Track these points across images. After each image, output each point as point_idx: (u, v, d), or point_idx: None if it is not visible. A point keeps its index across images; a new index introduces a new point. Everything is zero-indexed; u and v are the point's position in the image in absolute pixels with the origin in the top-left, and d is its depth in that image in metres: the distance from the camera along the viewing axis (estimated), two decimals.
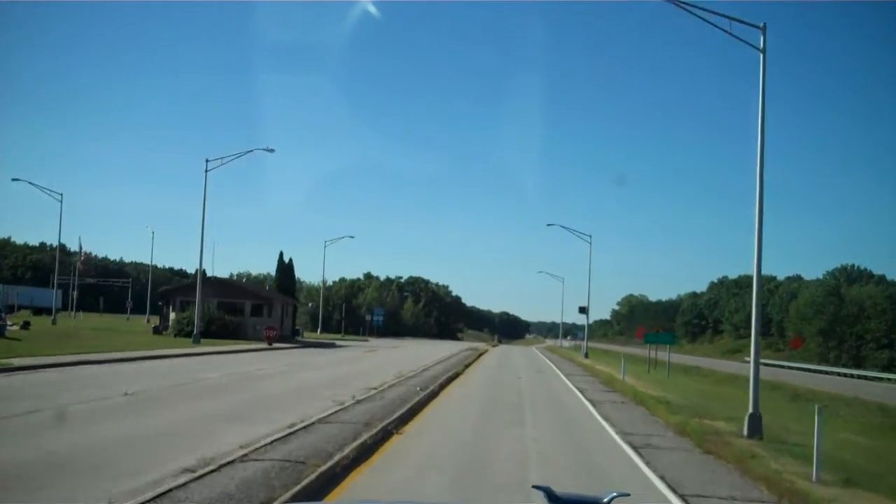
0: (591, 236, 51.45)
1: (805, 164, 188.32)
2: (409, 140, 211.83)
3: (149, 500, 6.53)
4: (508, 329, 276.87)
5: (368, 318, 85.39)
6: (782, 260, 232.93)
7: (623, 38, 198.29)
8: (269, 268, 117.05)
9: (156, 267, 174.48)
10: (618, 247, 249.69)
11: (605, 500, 2.63)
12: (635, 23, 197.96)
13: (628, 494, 2.84)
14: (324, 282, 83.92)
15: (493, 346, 74.00)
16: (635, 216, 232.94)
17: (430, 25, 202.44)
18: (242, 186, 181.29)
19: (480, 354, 45.93)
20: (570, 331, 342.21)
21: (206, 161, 35.81)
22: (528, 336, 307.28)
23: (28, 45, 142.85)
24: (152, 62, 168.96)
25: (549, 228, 55.27)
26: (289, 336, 47.93)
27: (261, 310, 44.26)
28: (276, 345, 39.28)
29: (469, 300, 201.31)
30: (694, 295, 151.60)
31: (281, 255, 50.63)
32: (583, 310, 51.07)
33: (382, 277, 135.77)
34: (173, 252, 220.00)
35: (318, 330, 70.64)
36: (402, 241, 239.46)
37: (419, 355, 39.77)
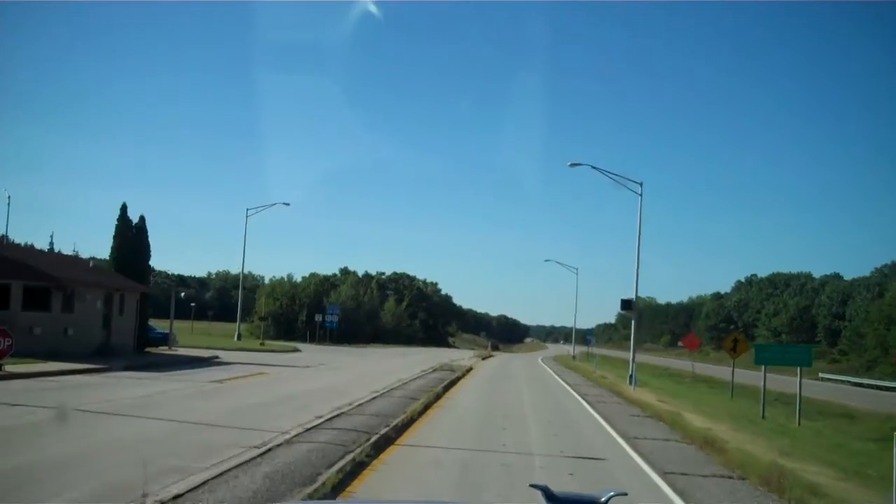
0: (641, 184, 30.72)
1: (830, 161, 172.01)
2: (409, 141, 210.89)
3: None
4: (507, 333, 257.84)
5: (318, 318, 64.27)
6: (813, 258, 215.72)
7: (625, 39, 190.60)
8: (274, 271, 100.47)
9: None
10: (616, 250, 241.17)
11: (603, 499, 2.50)
12: (637, 23, 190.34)
13: (625, 494, 2.69)
14: (243, 268, 63.02)
15: (485, 357, 52.83)
16: (634, 219, 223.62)
17: (431, 25, 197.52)
18: (243, 185, 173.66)
19: (456, 380, 25.16)
20: (571, 335, 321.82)
21: None
22: (527, 340, 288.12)
23: (28, 44, 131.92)
24: (152, 62, 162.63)
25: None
26: (124, 348, 26.89)
27: (46, 300, 23.28)
28: (17, 368, 18.33)
29: (467, 303, 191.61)
30: (718, 296, 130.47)
31: (123, 209, 29.54)
32: (627, 305, 30.17)
33: (361, 273, 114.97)
34: (168, 251, 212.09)
35: (236, 335, 49.52)
36: (399, 243, 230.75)
37: (319, 392, 18.87)
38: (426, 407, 16.10)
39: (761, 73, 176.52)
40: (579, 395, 23.11)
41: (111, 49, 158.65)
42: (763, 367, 23.46)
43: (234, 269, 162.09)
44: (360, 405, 15.55)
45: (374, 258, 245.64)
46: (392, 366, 32.44)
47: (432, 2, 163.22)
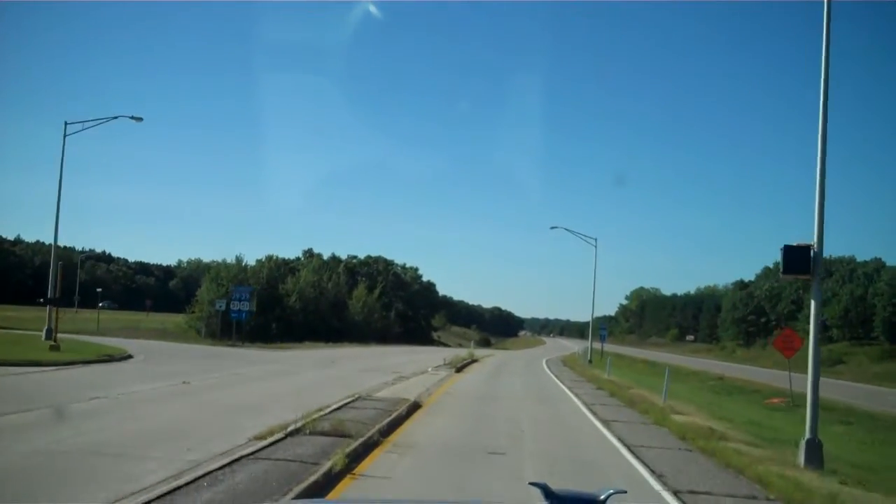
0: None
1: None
2: (409, 140, 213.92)
3: None
4: (500, 326, 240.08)
5: (220, 306, 44.92)
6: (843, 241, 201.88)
7: (623, 38, 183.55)
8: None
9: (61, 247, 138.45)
10: (618, 243, 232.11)
11: (602, 496, 2.42)
12: (635, 22, 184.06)
13: (625, 491, 2.61)
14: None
15: (462, 365, 32.53)
16: (635, 213, 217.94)
17: (431, 26, 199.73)
18: (243, 185, 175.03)
19: None
20: (567, 328, 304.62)
21: None
22: (521, 333, 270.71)
23: (32, 42, 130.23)
24: (154, 61, 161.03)
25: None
26: None
27: None
28: None
29: (458, 295, 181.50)
30: (743, 285, 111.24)
31: None
32: (799, 260, 11.27)
33: (327, 256, 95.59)
34: (161, 246, 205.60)
35: (45, 332, 29.30)
36: (398, 239, 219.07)
37: None
38: None
39: (761, 67, 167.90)
40: None
41: (110, 47, 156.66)
42: None
43: (206, 258, 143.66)
44: None
45: (361, 251, 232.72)
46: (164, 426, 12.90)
47: (432, 1, 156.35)
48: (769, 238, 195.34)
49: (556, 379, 29.02)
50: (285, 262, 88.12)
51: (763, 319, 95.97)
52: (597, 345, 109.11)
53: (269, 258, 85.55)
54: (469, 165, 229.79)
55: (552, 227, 45.33)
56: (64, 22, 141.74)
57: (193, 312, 71.81)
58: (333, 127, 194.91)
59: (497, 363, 40.39)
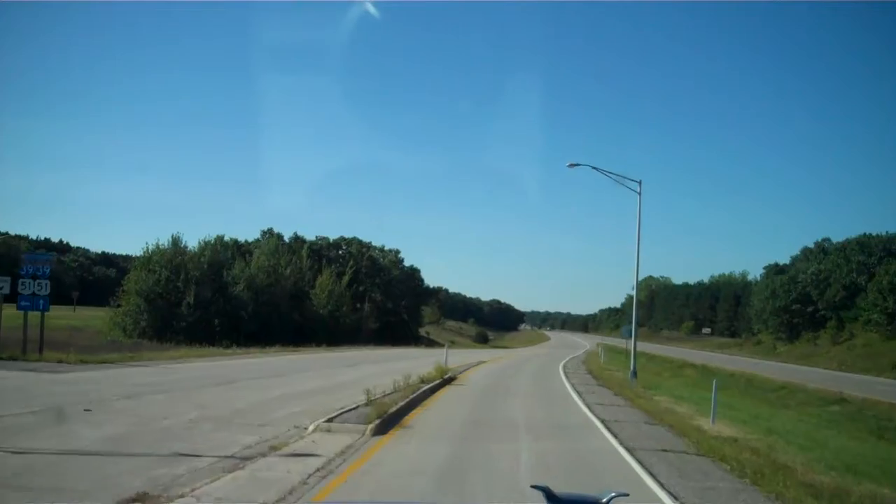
0: None
1: None
2: (407, 136, 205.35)
3: None
4: (500, 319, 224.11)
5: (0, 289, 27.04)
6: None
7: (621, 35, 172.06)
8: None
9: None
10: (621, 234, 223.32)
11: (605, 500, 2.36)
12: (634, 20, 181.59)
13: (627, 494, 2.53)
14: None
15: (394, 408, 12.62)
16: (633, 207, 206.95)
17: (430, 25, 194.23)
18: (243, 182, 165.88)
19: None
20: (569, 322, 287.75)
21: None
22: (522, 327, 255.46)
23: (34, 42, 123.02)
24: (154, 61, 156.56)
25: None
26: None
27: None
28: None
29: (455, 287, 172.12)
30: (779, 269, 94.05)
31: None
32: None
33: (289, 237, 78.52)
34: (152, 240, 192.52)
35: None
36: (394, 232, 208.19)
37: None
38: None
39: (756, 63, 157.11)
40: None
41: (111, 47, 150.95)
42: None
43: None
44: None
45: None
46: None
47: (430, 1, 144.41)
48: (795, 220, 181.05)
49: (619, 448, 11.82)
50: (237, 244, 71.13)
51: (810, 309, 78.81)
52: (609, 340, 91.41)
53: (218, 238, 67.91)
54: (468, 159, 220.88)
55: (570, 165, 28.28)
56: (68, 20, 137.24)
57: (119, 306, 54.80)
58: (330, 124, 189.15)
59: (484, 385, 23.15)
